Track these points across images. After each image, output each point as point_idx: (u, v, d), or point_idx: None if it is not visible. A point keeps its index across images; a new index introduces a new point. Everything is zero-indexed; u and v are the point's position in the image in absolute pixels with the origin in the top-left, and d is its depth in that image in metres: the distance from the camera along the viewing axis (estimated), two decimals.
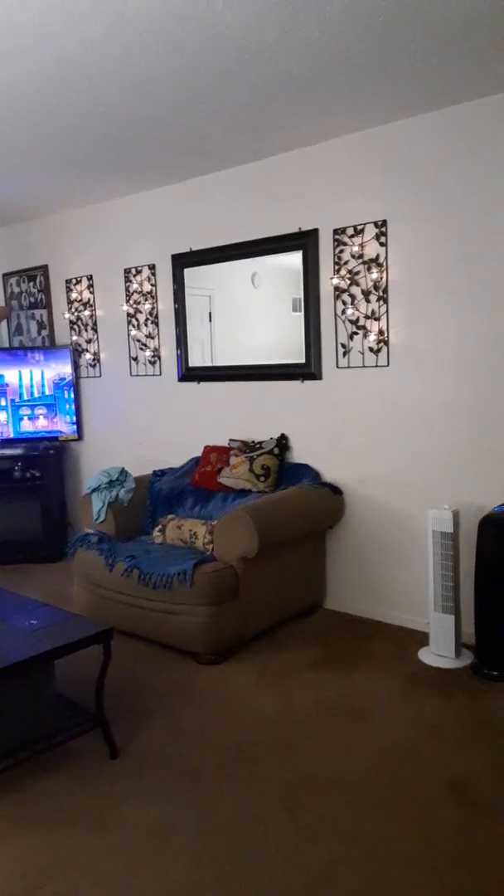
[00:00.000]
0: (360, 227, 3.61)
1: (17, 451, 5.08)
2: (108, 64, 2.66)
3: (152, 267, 4.59)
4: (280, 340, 4.11)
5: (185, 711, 2.92)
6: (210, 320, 4.45)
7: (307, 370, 3.93)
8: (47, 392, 5.11)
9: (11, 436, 5.11)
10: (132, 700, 3.03)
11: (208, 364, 4.43)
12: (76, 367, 5.17)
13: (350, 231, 3.65)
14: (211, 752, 2.62)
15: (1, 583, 4.48)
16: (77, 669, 2.96)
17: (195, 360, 4.49)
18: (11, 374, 5.07)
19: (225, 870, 2.02)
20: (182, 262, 4.43)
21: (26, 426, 5.13)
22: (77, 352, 5.18)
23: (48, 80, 2.78)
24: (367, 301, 3.63)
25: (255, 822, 2.22)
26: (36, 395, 5.11)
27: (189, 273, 4.43)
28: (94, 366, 5.11)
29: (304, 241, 3.83)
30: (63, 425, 5.15)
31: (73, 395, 5.12)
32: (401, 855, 2.05)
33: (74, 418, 5.15)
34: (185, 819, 2.24)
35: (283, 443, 4.01)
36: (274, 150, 3.81)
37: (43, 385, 5.10)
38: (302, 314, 3.91)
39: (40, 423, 5.14)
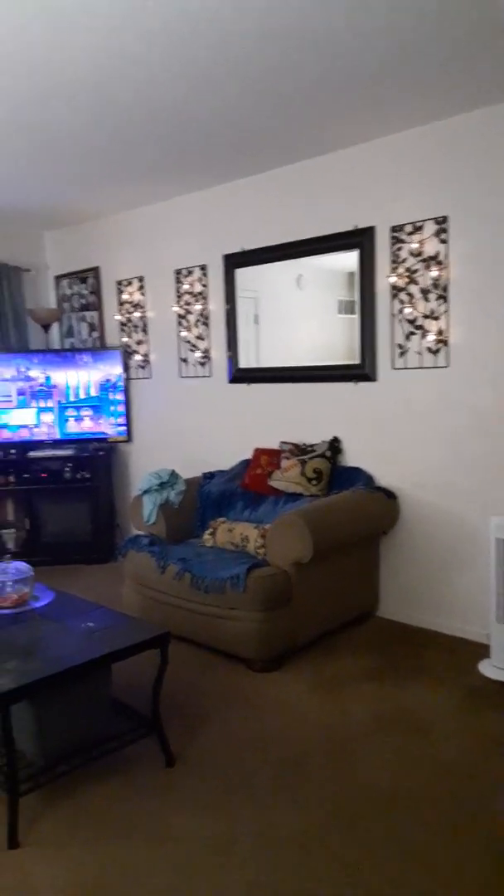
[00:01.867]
0: (419, 224, 3.51)
1: (68, 452, 5.11)
2: (165, 58, 2.62)
3: (203, 267, 4.56)
4: (326, 342, 4.04)
5: (239, 719, 2.86)
6: (256, 322, 4.40)
7: (361, 371, 3.84)
8: (93, 394, 5.13)
9: (58, 437, 5.15)
10: (184, 705, 2.98)
11: (254, 366, 4.38)
12: (126, 368, 5.17)
13: (409, 228, 3.55)
14: (267, 762, 2.56)
15: (52, 583, 4.48)
16: (129, 672, 2.93)
17: (244, 361, 4.44)
18: (59, 376, 5.10)
19: (287, 887, 1.96)
20: (234, 262, 4.39)
21: (72, 427, 5.16)
22: (127, 353, 5.19)
23: (106, 76, 2.76)
24: (426, 300, 3.52)
25: (316, 838, 2.15)
26: (82, 396, 5.13)
27: (239, 275, 4.38)
28: (143, 367, 5.11)
29: (359, 239, 3.75)
30: (108, 427, 5.16)
31: (119, 397, 5.12)
32: (471, 880, 1.96)
33: (121, 420, 5.15)
34: (244, 832, 2.18)
35: (335, 446, 3.93)
36: (330, 146, 3.74)
37: (89, 387, 5.12)
38: (354, 315, 3.83)
39: (86, 425, 5.16)
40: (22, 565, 2.74)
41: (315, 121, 3.33)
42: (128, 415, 5.18)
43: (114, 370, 5.11)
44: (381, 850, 2.09)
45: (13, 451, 5.12)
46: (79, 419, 5.14)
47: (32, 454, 5.10)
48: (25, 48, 2.48)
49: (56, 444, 5.15)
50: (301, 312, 4.16)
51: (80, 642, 2.46)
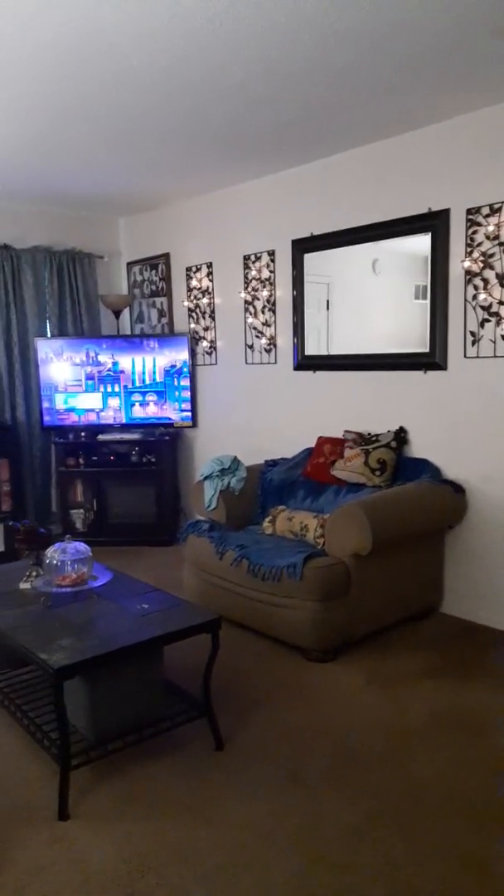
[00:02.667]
0: (496, 206, 3.35)
1: (135, 437, 5.20)
2: (234, 40, 2.58)
3: (271, 253, 4.52)
4: (401, 329, 3.92)
5: (291, 708, 2.84)
6: (328, 308, 4.32)
7: (431, 360, 3.71)
8: (158, 379, 5.18)
9: (124, 421, 5.23)
10: (237, 691, 2.98)
11: (324, 353, 4.31)
12: (193, 354, 5.20)
13: (485, 210, 3.39)
14: (317, 753, 2.52)
15: (115, 564, 4.58)
16: (183, 655, 2.95)
17: (311, 348, 4.38)
18: (126, 361, 5.18)
19: (328, 880, 1.92)
20: (302, 247, 4.32)
21: (137, 412, 5.23)
22: (194, 339, 5.21)
23: (176, 61, 2.74)
24: (503, 286, 3.36)
25: (362, 834, 2.10)
26: (147, 381, 5.19)
27: (307, 260, 4.31)
28: (210, 353, 5.12)
29: (433, 223, 3.61)
30: (172, 412, 5.20)
31: (184, 383, 5.14)
32: None
33: (186, 405, 5.18)
34: (290, 821, 2.16)
35: (401, 436, 3.82)
36: (403, 127, 3.61)
37: (154, 372, 5.18)
38: (427, 300, 3.70)
39: (150, 410, 5.23)
40: (81, 546, 2.79)
41: (389, 103, 3.22)
42: (193, 401, 5.21)
43: (179, 356, 5.14)
44: (429, 850, 2.02)
45: (83, 434, 5.24)
46: (144, 404, 5.21)
47: (101, 437, 5.21)
48: (94, 34, 2.49)
49: (124, 428, 5.24)
50: (376, 298, 4.04)
51: (134, 623, 2.49)
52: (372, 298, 4.06)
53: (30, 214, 5.29)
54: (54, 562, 2.73)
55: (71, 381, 5.21)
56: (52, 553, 2.74)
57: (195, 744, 2.57)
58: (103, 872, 1.96)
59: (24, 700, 2.71)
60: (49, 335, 5.35)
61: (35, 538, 2.89)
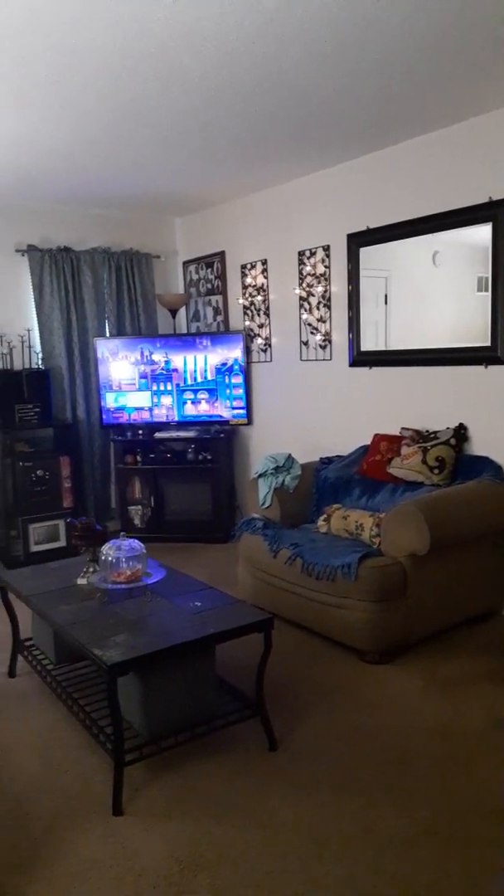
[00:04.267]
0: None
1: (191, 434, 5.23)
2: (287, 32, 2.54)
3: (326, 248, 4.46)
4: (462, 323, 3.79)
5: (346, 710, 2.79)
6: (386, 302, 4.23)
7: (493, 354, 3.59)
8: (209, 377, 5.19)
9: (176, 419, 5.27)
10: (291, 691, 2.96)
11: (382, 349, 4.22)
12: (248, 352, 5.19)
13: None
14: (372, 758, 2.47)
15: (170, 560, 4.63)
16: (237, 653, 2.95)
17: (367, 344, 4.30)
18: (178, 360, 5.21)
19: (379, 889, 1.88)
20: (358, 241, 4.25)
21: (189, 410, 5.26)
22: (249, 337, 5.20)
23: (225, 57, 2.72)
24: None
25: (416, 844, 2.04)
26: (199, 380, 5.21)
27: (364, 254, 4.24)
28: (265, 350, 5.10)
29: (493, 212, 3.48)
30: (223, 410, 5.21)
31: (236, 381, 5.13)
32: None
33: (238, 403, 5.17)
34: (342, 827, 2.12)
35: (461, 433, 3.71)
36: (461, 116, 3.50)
37: (206, 370, 5.19)
38: (489, 292, 3.57)
39: (202, 408, 5.25)
40: (135, 543, 2.82)
41: (447, 90, 3.11)
42: (248, 398, 5.21)
43: (232, 354, 5.14)
44: (485, 864, 1.95)
45: (141, 431, 5.31)
46: (195, 402, 5.24)
47: (158, 435, 5.27)
48: (143, 35, 2.50)
49: (180, 425, 5.28)
50: (436, 291, 3.93)
51: (187, 621, 2.50)
52: (432, 291, 3.95)
53: (89, 217, 5.39)
54: (109, 558, 2.77)
55: (125, 380, 5.28)
56: (108, 550, 2.78)
57: (248, 743, 2.56)
58: (155, 870, 1.97)
59: (82, 694, 2.76)
60: (108, 335, 5.44)
61: (91, 535, 2.93)
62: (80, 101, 3.12)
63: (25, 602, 2.88)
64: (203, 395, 5.21)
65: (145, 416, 5.31)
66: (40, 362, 5.24)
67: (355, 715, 2.76)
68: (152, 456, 5.26)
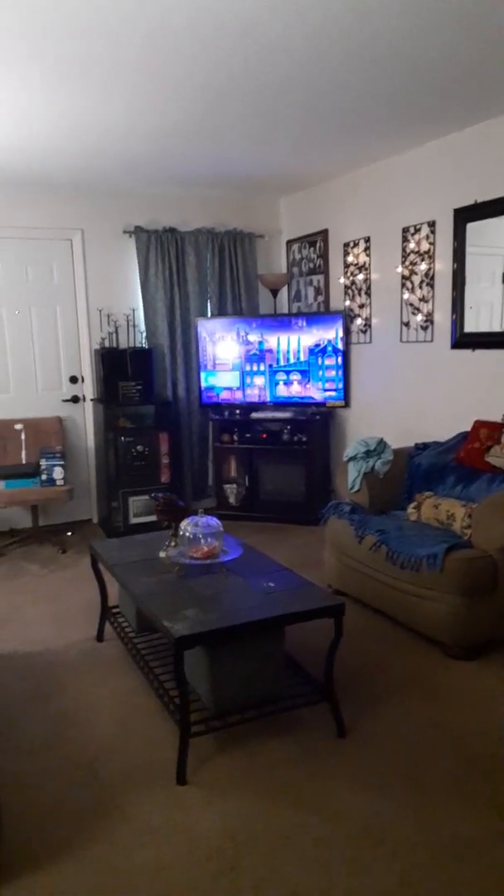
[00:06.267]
0: None
1: (287, 415, 5.21)
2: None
3: (432, 224, 4.25)
4: None
5: (422, 704, 2.70)
6: (503, 282, 3.97)
7: None
8: (302, 358, 5.12)
9: (268, 400, 5.25)
10: (366, 679, 2.89)
11: (496, 330, 3.95)
12: (347, 332, 5.08)
13: None
14: (444, 756, 2.37)
15: (260, 540, 4.67)
16: (314, 635, 2.92)
17: (470, 325, 4.07)
18: (273, 340, 5.18)
19: (433, 891, 1.80)
20: (465, 216, 4.01)
21: (281, 391, 5.22)
22: (349, 317, 5.08)
23: (321, 27, 2.63)
24: None
25: (481, 849, 1.94)
26: (292, 360, 5.16)
27: (474, 230, 4.00)
28: (364, 332, 4.97)
29: None
30: (315, 392, 5.12)
31: (329, 362, 5.03)
32: None
33: (330, 385, 5.08)
34: (404, 824, 2.06)
35: None
36: None
37: (299, 352, 5.12)
38: None
39: (294, 389, 5.19)
40: (213, 520, 2.84)
41: None
42: (346, 380, 5.10)
43: (326, 335, 5.04)
44: None
45: (238, 411, 5.35)
46: (288, 383, 5.19)
47: (255, 415, 5.28)
48: (236, 11, 2.45)
49: (277, 406, 5.27)
50: None
51: (257, 600, 2.49)
52: None
53: (194, 198, 5.45)
54: (188, 534, 2.81)
55: (221, 359, 5.33)
56: (186, 525, 2.82)
57: (316, 727, 2.53)
58: (210, 844, 2.00)
59: (159, 663, 2.84)
60: (209, 315, 5.50)
61: (173, 509, 2.99)
62: (180, 82, 3.12)
63: (110, 571, 2.99)
64: (295, 377, 5.16)
65: (237, 396, 5.34)
66: (144, 341, 5.39)
67: (431, 710, 2.66)
68: (248, 436, 5.29)
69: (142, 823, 2.10)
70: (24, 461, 4.99)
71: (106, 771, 2.35)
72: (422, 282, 4.36)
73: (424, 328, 4.39)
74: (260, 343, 5.23)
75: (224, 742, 2.46)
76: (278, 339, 5.17)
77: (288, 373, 5.18)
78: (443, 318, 4.25)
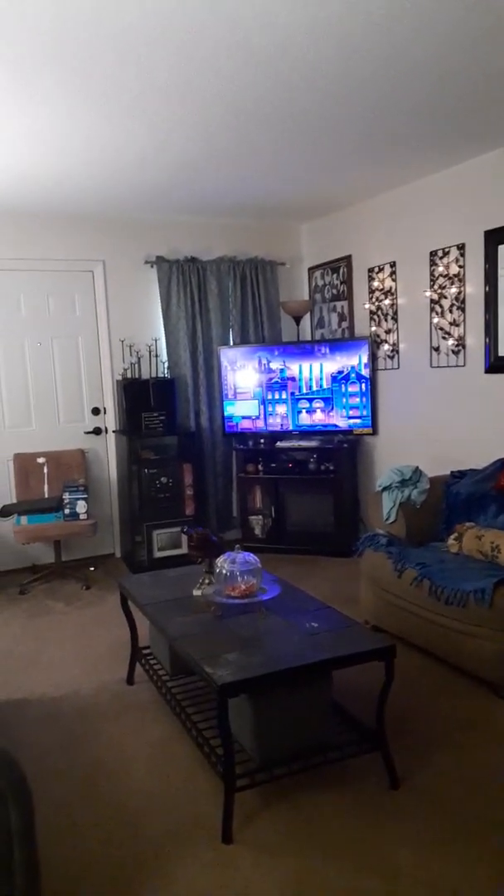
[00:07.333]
0: None
1: (313, 444, 5.10)
2: (411, 19, 2.36)
3: (461, 247, 4.18)
4: None
5: (478, 751, 2.53)
6: None
7: None
8: (325, 386, 5.03)
9: (290, 428, 5.16)
10: (414, 723, 2.73)
11: None
12: (373, 359, 4.99)
13: None
14: None
15: (290, 572, 4.53)
16: (356, 678, 2.77)
17: None
18: (295, 368, 5.10)
19: None
20: (497, 238, 3.93)
21: (304, 419, 5.13)
22: (375, 343, 5.00)
23: (350, 49, 2.58)
24: None
25: None
26: (315, 388, 5.06)
27: (501, 251, 3.91)
28: (391, 357, 4.87)
29: None
30: (339, 419, 5.02)
31: (353, 389, 4.93)
32: None
33: (354, 412, 4.97)
34: (469, 880, 1.89)
35: None
36: None
37: (321, 379, 5.04)
38: None
39: (317, 417, 5.09)
40: (250, 556, 2.72)
41: None
42: (373, 407, 4.99)
43: (350, 361, 4.95)
44: None
45: (262, 440, 5.26)
46: (310, 411, 5.10)
47: (280, 444, 5.18)
48: (265, 33, 2.41)
49: (302, 435, 5.17)
50: None
51: (301, 643, 2.36)
52: None
53: (215, 227, 5.43)
54: (224, 571, 2.69)
55: (242, 388, 5.25)
56: (222, 563, 2.70)
57: (367, 779, 2.38)
58: None
59: (195, 709, 2.70)
60: (231, 343, 5.44)
61: (207, 545, 2.87)
62: (205, 108, 3.09)
63: (142, 611, 2.87)
64: (318, 404, 5.06)
65: (258, 424, 5.24)
66: (166, 371, 5.32)
67: (488, 755, 2.50)
68: (274, 465, 5.18)
69: (189, 885, 1.95)
70: (46, 495, 4.91)
71: (148, 828, 2.20)
72: (452, 305, 4.27)
73: (456, 352, 4.29)
74: (282, 371, 5.15)
75: (269, 795, 2.31)
76: (300, 366, 5.09)
77: (311, 400, 5.09)
78: (475, 341, 4.14)
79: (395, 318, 4.81)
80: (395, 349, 4.83)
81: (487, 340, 4.05)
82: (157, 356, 5.33)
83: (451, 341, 4.31)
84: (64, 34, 2.35)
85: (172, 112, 3.11)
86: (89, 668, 3.38)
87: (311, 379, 5.09)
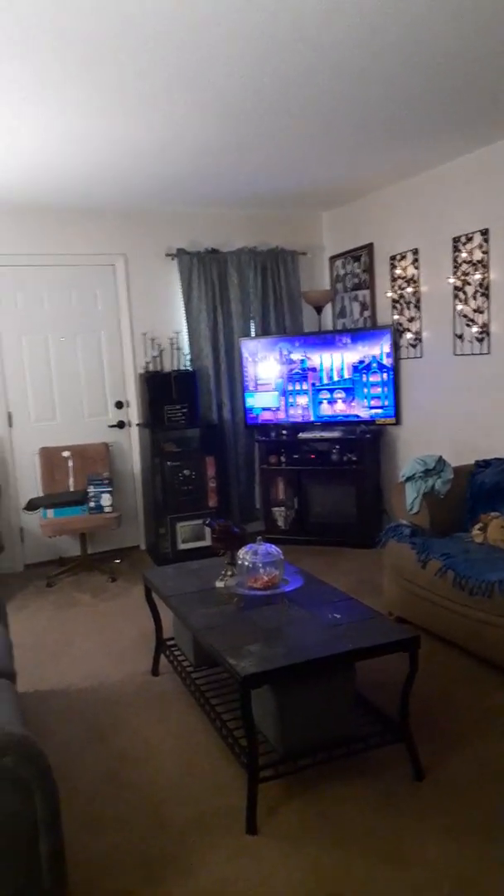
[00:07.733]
0: None
1: (336, 434, 5.07)
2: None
3: (485, 232, 4.10)
4: None
5: (503, 742, 2.51)
6: None
7: None
8: (346, 376, 4.99)
9: (312, 419, 5.13)
10: (440, 716, 2.72)
11: None
12: (396, 347, 4.93)
13: None
14: None
15: (313, 564, 4.52)
16: (380, 669, 2.76)
17: None
18: (316, 359, 5.07)
19: None
20: None
21: (325, 410, 5.10)
22: (397, 332, 4.94)
23: (371, 31, 2.54)
24: None
25: None
26: (335, 378, 5.03)
27: None
28: (414, 346, 4.82)
29: None
30: (360, 409, 4.98)
31: (374, 379, 4.89)
32: None
33: (378, 402, 4.93)
34: (491, 875, 1.88)
35: None
36: None
37: (342, 369, 5.00)
38: None
39: (338, 408, 5.06)
40: (272, 548, 2.72)
41: None
42: (396, 396, 4.94)
43: (371, 351, 4.90)
44: None
45: (284, 432, 5.24)
46: (332, 401, 5.06)
47: (302, 435, 5.16)
48: (282, 17, 2.38)
49: (325, 425, 5.14)
50: None
51: (324, 634, 2.35)
52: None
53: (235, 218, 5.41)
54: (246, 563, 2.69)
55: (263, 379, 5.24)
56: (244, 554, 2.70)
57: (391, 770, 2.37)
58: None
59: (219, 700, 2.71)
60: (252, 335, 5.42)
61: (229, 537, 2.88)
62: (225, 96, 3.07)
63: (166, 603, 2.88)
64: (339, 395, 5.03)
65: (279, 416, 5.23)
66: (188, 364, 5.33)
67: None
68: (296, 457, 5.16)
69: (213, 876, 1.96)
70: (71, 488, 4.96)
71: (172, 818, 2.22)
72: (476, 292, 4.21)
73: (480, 340, 4.22)
74: (303, 361, 5.12)
75: (293, 786, 2.32)
76: (321, 357, 5.06)
77: (332, 391, 5.05)
78: (500, 328, 4.08)
79: (417, 307, 4.75)
80: (417, 338, 4.78)
81: None
82: (178, 349, 5.34)
83: (474, 329, 4.24)
84: (77, 21, 2.34)
85: (187, 100, 3.09)
86: (115, 659, 3.42)
87: (331, 369, 5.06)
